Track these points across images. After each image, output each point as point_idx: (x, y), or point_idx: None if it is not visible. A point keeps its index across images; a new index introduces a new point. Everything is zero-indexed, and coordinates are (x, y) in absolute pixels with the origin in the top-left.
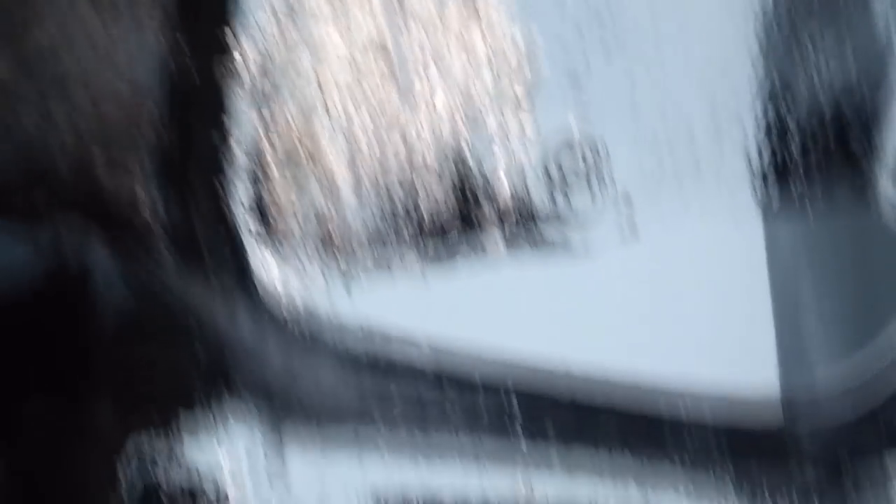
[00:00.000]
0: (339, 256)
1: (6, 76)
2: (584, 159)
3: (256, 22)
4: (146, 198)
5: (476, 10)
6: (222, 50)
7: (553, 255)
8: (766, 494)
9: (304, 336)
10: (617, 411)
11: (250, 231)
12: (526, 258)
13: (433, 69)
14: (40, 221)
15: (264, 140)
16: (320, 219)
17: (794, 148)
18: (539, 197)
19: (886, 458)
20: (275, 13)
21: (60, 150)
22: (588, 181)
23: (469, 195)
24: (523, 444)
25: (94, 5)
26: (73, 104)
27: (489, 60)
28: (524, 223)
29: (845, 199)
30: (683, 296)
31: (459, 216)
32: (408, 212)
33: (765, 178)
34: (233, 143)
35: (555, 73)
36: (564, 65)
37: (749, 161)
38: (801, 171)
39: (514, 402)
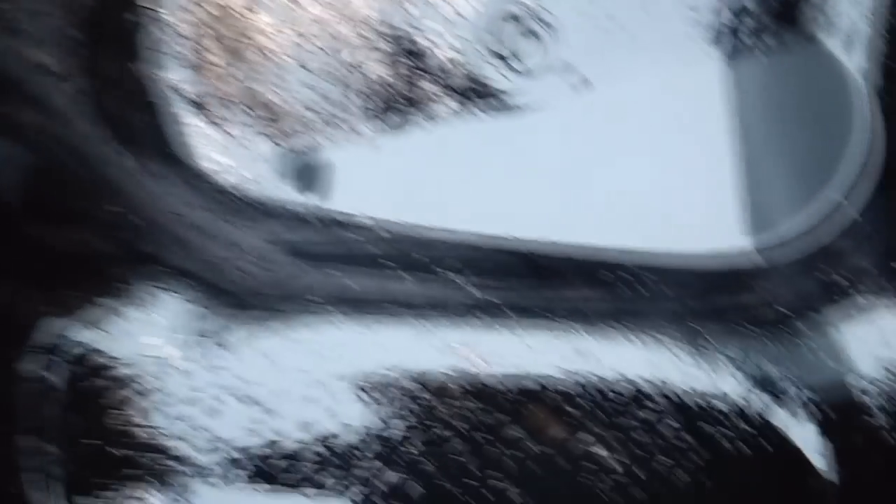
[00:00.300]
0: (280, 131)
1: None
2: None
3: None
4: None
5: None
6: None
7: (506, 116)
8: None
9: (240, 212)
10: (576, 263)
11: (182, 100)
12: (477, 120)
13: None
14: None
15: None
16: (259, 92)
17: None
18: (485, 62)
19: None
20: None
21: None
22: (535, 42)
23: (413, 66)
24: (478, 313)
25: None
26: None
27: None
28: (472, 89)
29: (793, 44)
30: (638, 144)
31: (405, 85)
32: (352, 85)
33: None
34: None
35: None
36: None
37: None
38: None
39: (468, 274)
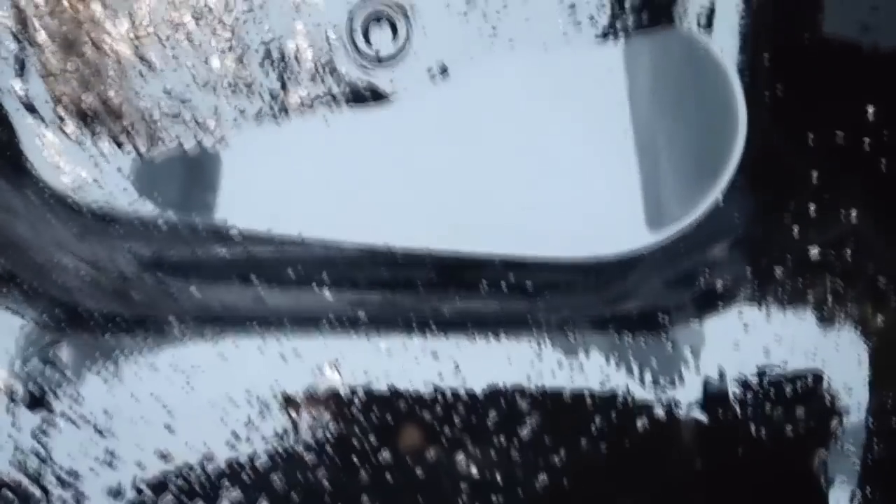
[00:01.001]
0: (124, 131)
1: None
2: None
3: None
4: None
5: None
6: None
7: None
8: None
9: (88, 225)
10: (442, 267)
11: (20, 101)
12: (336, 113)
13: None
14: None
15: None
16: (101, 93)
17: None
18: (343, 51)
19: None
20: None
21: None
22: (394, 33)
23: (269, 62)
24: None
25: None
26: None
27: None
28: (330, 82)
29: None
30: (506, 138)
31: (250, 76)
32: (205, 83)
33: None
34: None
35: None
36: None
37: None
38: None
39: (331, 284)
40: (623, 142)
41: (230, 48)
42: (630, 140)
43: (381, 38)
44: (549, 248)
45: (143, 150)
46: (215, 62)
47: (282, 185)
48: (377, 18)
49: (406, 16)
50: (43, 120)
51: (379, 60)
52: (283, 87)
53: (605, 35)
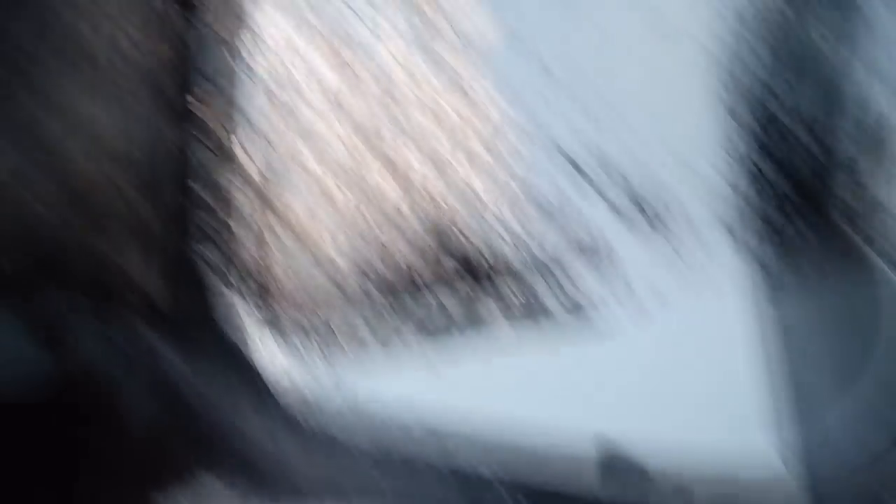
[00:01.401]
0: (335, 336)
1: None
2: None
3: (252, 106)
4: (139, 277)
5: (464, 94)
6: (218, 134)
7: (556, 335)
8: None
9: (299, 418)
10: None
11: (246, 310)
12: (528, 337)
13: (426, 153)
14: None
15: (260, 219)
16: (317, 300)
17: (784, 219)
18: (540, 282)
19: None
20: (271, 99)
21: (54, 228)
22: (593, 268)
23: (469, 277)
24: None
25: (87, 84)
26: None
27: (483, 145)
28: (527, 307)
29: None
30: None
31: (459, 297)
32: (407, 292)
33: (758, 253)
34: (229, 223)
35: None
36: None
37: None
38: (791, 241)
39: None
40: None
41: (429, 262)
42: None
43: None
44: None
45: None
46: (419, 275)
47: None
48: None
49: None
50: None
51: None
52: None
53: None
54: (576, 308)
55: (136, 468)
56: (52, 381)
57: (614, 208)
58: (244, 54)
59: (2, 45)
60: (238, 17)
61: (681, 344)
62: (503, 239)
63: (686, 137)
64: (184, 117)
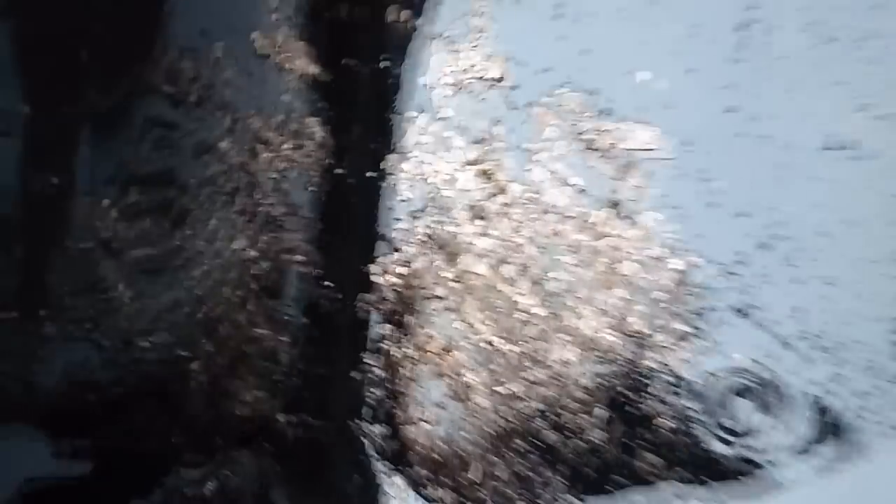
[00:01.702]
0: (473, 496)
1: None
2: (763, 399)
3: (402, 247)
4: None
5: (630, 240)
6: (366, 285)
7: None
8: None
9: None
10: None
11: (386, 470)
12: (697, 493)
13: (586, 300)
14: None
15: (404, 375)
16: (462, 458)
17: None
18: (714, 436)
19: None
20: (422, 242)
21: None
22: (768, 417)
23: (627, 435)
24: None
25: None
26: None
27: (647, 291)
28: (693, 461)
29: None
30: None
31: (617, 457)
32: (559, 451)
33: None
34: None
35: (721, 302)
36: (731, 295)
37: None
38: None
39: None
40: None
41: (600, 422)
42: None
43: (759, 425)
44: None
45: None
46: (587, 434)
47: None
48: (756, 405)
49: (783, 402)
50: (396, 467)
51: (754, 448)
52: (652, 465)
53: None
54: (746, 459)
55: None
56: None
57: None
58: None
59: None
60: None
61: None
62: (668, 384)
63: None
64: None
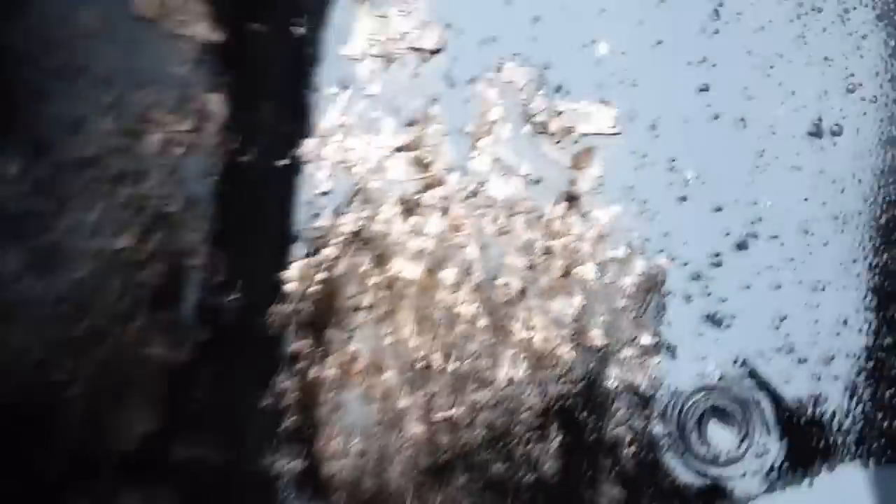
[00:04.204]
0: None
1: None
2: (737, 421)
3: (322, 249)
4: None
5: (589, 239)
6: (278, 293)
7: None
8: None
9: None
10: None
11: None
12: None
13: (538, 309)
14: None
15: (325, 399)
16: (393, 496)
17: None
18: (679, 463)
19: None
20: (346, 242)
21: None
22: (742, 441)
23: (578, 455)
24: None
25: None
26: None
27: (609, 298)
28: (661, 493)
29: None
30: None
31: (576, 491)
32: (508, 485)
33: None
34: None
35: (693, 311)
36: (704, 302)
37: None
38: None
39: None
40: None
41: (535, 449)
42: None
43: (719, 435)
44: None
45: None
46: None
47: None
48: (718, 412)
49: (748, 411)
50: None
51: (714, 461)
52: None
53: None
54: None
55: None
56: None
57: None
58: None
59: None
60: None
61: None
62: (632, 405)
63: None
64: None
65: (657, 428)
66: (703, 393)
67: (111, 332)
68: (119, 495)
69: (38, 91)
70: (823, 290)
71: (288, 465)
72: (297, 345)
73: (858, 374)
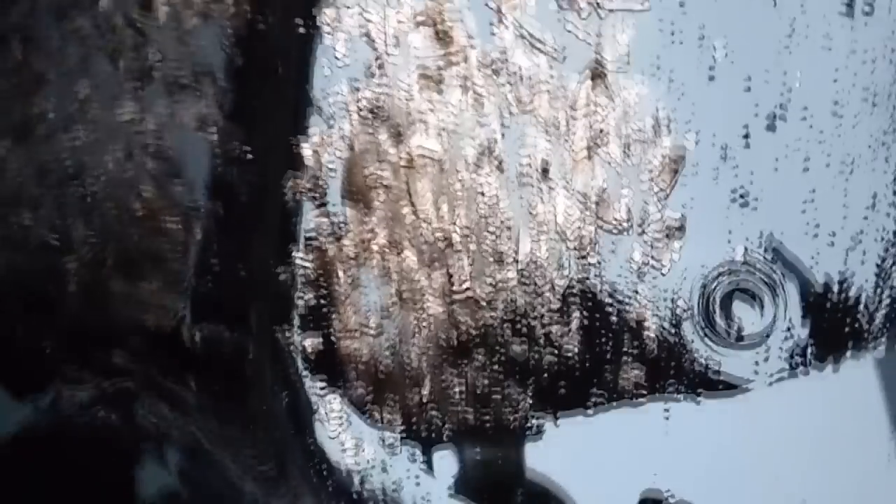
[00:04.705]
0: (424, 416)
1: None
2: (762, 300)
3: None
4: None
5: (615, 113)
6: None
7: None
8: None
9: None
10: None
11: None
12: (672, 400)
13: (557, 180)
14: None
15: (342, 276)
16: (412, 375)
17: None
18: (701, 343)
19: None
20: (364, 117)
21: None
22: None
23: (600, 335)
24: None
25: None
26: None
27: (634, 173)
28: (671, 363)
29: None
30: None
31: (589, 359)
32: (528, 364)
33: None
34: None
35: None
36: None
37: None
38: None
39: None
40: None
41: (554, 325)
42: None
43: (745, 315)
44: None
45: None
46: (543, 336)
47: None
48: (741, 291)
49: (775, 292)
50: (332, 385)
51: (739, 340)
52: (616, 369)
53: None
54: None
55: None
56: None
57: None
58: None
59: None
60: None
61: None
62: (655, 284)
63: None
64: None
65: (680, 308)
66: (728, 273)
67: (113, 199)
68: (136, 368)
69: None
70: (852, 172)
71: (304, 341)
72: (316, 219)
73: (886, 256)
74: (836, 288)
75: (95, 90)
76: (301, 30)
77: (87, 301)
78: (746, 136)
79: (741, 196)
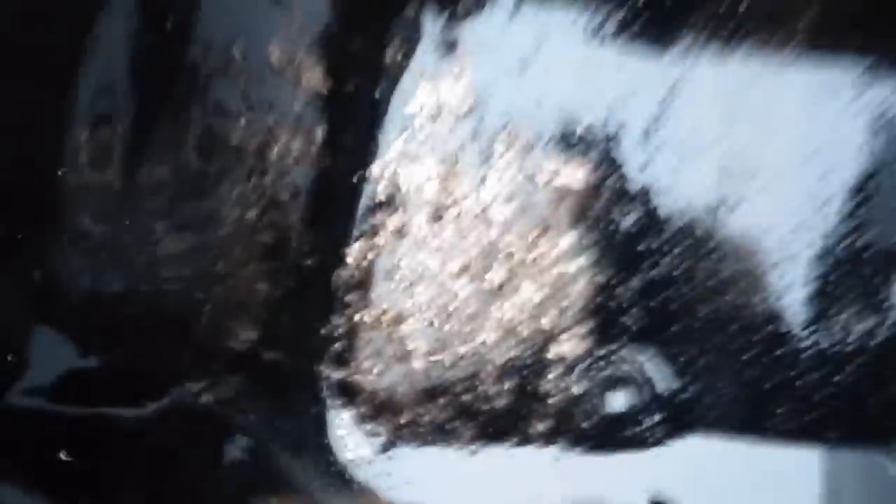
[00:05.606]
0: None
1: None
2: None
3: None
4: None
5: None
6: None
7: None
8: None
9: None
10: None
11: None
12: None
13: (513, 297)
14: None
15: (362, 336)
16: (397, 405)
17: None
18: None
19: None
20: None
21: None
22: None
23: (523, 400)
24: None
25: None
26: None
27: (562, 294)
28: (571, 424)
29: None
30: None
31: (511, 416)
32: (469, 407)
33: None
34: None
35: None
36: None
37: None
38: None
39: None
40: None
41: (491, 388)
42: None
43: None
44: None
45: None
46: (482, 393)
47: None
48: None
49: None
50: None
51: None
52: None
53: None
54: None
55: None
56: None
57: None
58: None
59: None
60: None
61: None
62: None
63: None
64: None
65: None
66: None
67: (234, 273)
68: (225, 378)
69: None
70: None
71: (332, 373)
72: (349, 297)
73: None
74: None
75: (238, 199)
76: (356, 176)
77: (210, 331)
78: None
79: None
